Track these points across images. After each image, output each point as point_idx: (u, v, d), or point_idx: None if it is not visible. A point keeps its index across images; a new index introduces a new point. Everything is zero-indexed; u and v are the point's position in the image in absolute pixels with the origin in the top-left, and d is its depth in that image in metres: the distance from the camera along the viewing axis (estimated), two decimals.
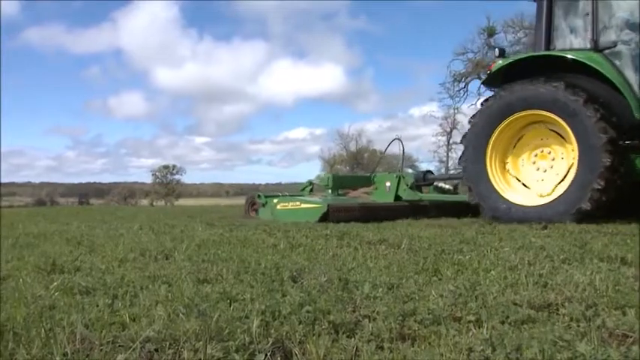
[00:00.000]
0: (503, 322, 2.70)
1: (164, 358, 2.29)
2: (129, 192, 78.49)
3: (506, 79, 10.02)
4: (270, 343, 2.40)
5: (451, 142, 50.24)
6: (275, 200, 13.84)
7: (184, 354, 2.29)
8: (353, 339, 2.49)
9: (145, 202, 71.35)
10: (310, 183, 15.54)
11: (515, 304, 3.06)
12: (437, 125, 50.47)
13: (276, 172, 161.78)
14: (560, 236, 6.79)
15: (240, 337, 2.43)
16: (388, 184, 13.43)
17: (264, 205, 13.99)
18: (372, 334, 2.54)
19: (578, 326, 2.60)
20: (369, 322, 2.73)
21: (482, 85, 12.33)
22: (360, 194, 14.03)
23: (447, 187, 13.96)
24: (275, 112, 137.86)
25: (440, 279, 3.90)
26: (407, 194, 13.18)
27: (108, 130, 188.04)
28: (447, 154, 50.74)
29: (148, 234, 8.44)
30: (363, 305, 3.05)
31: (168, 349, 2.36)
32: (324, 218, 11.39)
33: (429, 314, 2.80)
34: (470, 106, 45.49)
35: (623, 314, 2.79)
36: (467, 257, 4.83)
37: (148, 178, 79.57)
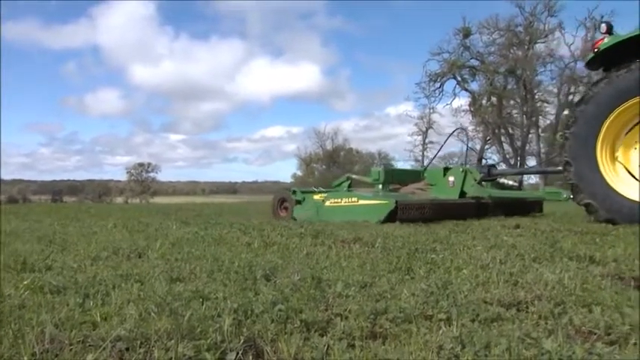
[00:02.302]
0: (473, 320, 2.73)
1: (135, 357, 2.28)
2: (103, 189, 77.76)
3: (613, 61, 8.94)
4: (242, 341, 2.40)
5: (427, 141, 50.69)
6: (317, 197, 12.49)
7: (155, 353, 2.28)
8: (325, 337, 2.49)
9: (119, 199, 70.75)
10: (348, 178, 14.30)
11: (486, 302, 3.10)
12: (413, 124, 50.91)
13: (253, 170, 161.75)
14: (531, 235, 6.89)
15: (211, 335, 2.42)
16: (452, 178, 12.31)
17: (300, 202, 12.77)
18: (343, 332, 2.55)
19: (547, 324, 2.65)
20: (341, 320, 2.74)
21: (586, 66, 10.15)
22: (414, 190, 12.83)
23: (511, 183, 13.07)
24: (252, 110, 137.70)
25: (412, 278, 3.93)
26: (474, 190, 12.04)
27: (83, 127, 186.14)
28: (423, 153, 51.23)
29: (122, 232, 8.37)
30: (336, 304, 3.06)
31: (140, 347, 2.34)
32: (390, 217, 10.19)
33: (400, 313, 2.82)
34: (445, 106, 46.04)
35: (589, 312, 2.84)
36: (440, 256, 4.88)
37: (123, 176, 78.98)
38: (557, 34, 43.37)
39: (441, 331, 2.50)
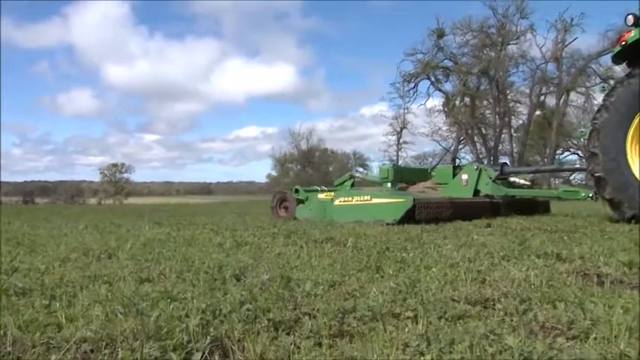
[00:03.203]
0: (440, 318, 2.75)
1: (100, 359, 2.26)
2: (76, 190, 76.73)
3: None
4: (209, 341, 2.39)
5: (401, 141, 50.94)
6: (322, 195, 11.93)
7: (120, 354, 2.26)
8: (292, 336, 2.50)
9: (93, 200, 69.88)
10: (351, 176, 13.74)
11: (454, 300, 3.13)
12: (387, 125, 51.15)
13: (228, 170, 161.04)
14: (502, 234, 6.97)
15: (178, 335, 2.41)
16: (465, 177, 11.90)
17: (304, 202, 12.23)
18: (311, 331, 2.56)
19: (512, 320, 2.68)
20: (309, 319, 2.75)
21: (613, 59, 9.61)
22: (423, 189, 12.39)
23: (523, 181, 12.52)
24: (227, 110, 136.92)
25: (382, 276, 3.95)
26: (490, 189, 11.67)
27: (56, 127, 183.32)
28: (397, 153, 51.46)
29: (93, 233, 8.28)
30: (304, 303, 3.06)
31: (105, 349, 2.32)
32: (407, 217, 9.73)
33: (368, 311, 2.84)
34: (419, 106, 46.36)
35: (554, 308, 2.89)
36: (410, 255, 4.92)
37: (96, 177, 77.93)
38: (528, 35, 44.01)
39: (407, 329, 2.52)
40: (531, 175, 13.14)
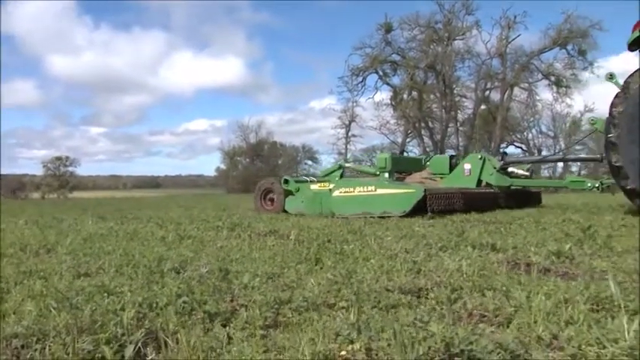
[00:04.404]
0: (374, 307, 2.83)
1: (31, 354, 2.24)
2: (18, 184, 74.16)
3: None
4: (143, 334, 2.40)
5: (350, 134, 51.25)
6: (316, 186, 11.06)
7: (53, 348, 2.25)
8: (227, 327, 2.53)
9: (36, 195, 67.80)
10: (340, 166, 13.04)
11: (388, 289, 3.21)
12: (336, 118, 51.30)
13: (176, 164, 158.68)
14: (443, 225, 7.13)
15: (111, 329, 2.41)
16: (468, 166, 11.46)
17: (294, 193, 11.39)
18: (246, 322, 2.59)
19: (442, 308, 2.78)
20: (245, 310, 2.78)
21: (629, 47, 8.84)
22: (421, 179, 11.77)
23: (521, 172, 11.92)
24: (175, 103, 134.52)
25: (321, 268, 4.01)
26: (495, 179, 11.22)
27: None
28: (346, 146, 51.73)
29: (32, 228, 8.09)
30: (241, 295, 3.10)
31: (36, 344, 2.30)
32: (417, 208, 9.21)
33: (303, 302, 2.89)
34: (367, 100, 46.72)
35: (482, 296, 3.00)
36: (350, 247, 5.00)
37: (39, 170, 75.57)
38: (474, 31, 44.77)
39: (338, 319, 2.58)
40: (529, 165, 12.59)
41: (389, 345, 2.11)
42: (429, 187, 9.76)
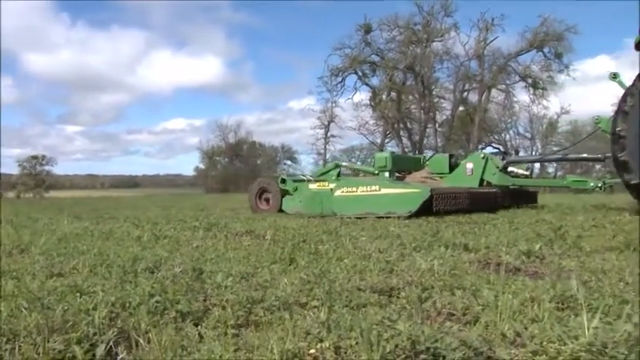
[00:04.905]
0: (345, 306, 2.87)
1: (1, 354, 2.25)
2: None
3: None
4: (115, 333, 2.42)
5: (329, 134, 51.36)
6: (315, 185, 10.83)
7: (23, 348, 2.26)
8: (199, 327, 2.55)
9: (11, 194, 66.82)
10: (337, 165, 12.68)
11: (360, 289, 3.25)
12: (315, 118, 51.37)
13: (155, 163, 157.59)
14: (417, 226, 7.20)
15: (83, 328, 2.42)
16: (470, 165, 11.30)
17: (291, 193, 11.19)
18: (218, 321, 2.62)
19: (412, 307, 2.82)
20: (218, 310, 2.81)
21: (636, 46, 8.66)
22: (422, 179, 11.51)
23: (521, 172, 11.81)
24: (154, 102, 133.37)
25: (295, 267, 4.05)
26: (497, 178, 11.08)
27: None
28: (325, 146, 51.86)
29: (6, 228, 8.01)
30: (214, 294, 3.12)
31: (6, 344, 2.31)
32: (422, 209, 9.02)
33: (276, 301, 2.92)
34: (346, 100, 46.88)
35: (452, 295, 3.06)
36: (325, 247, 5.03)
37: (14, 169, 74.39)
38: (452, 33, 45.17)
39: (309, 318, 2.62)
40: (527, 165, 12.52)
41: (357, 343, 2.15)
42: (436, 187, 9.61)
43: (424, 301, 2.95)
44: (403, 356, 2.05)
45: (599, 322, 2.26)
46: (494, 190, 10.94)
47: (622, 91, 8.68)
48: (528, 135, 50.94)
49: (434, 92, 46.68)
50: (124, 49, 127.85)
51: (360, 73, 46.21)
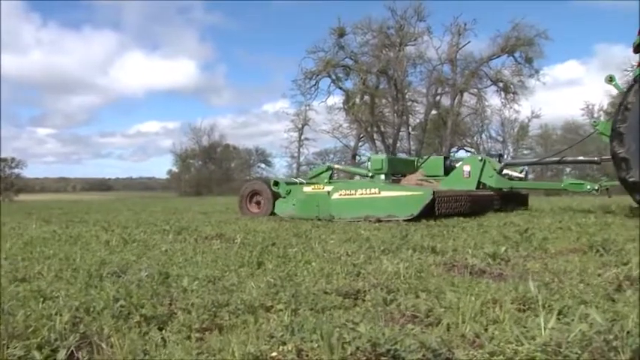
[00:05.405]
0: (311, 309, 2.89)
1: None
2: None
3: None
4: (77, 338, 2.41)
5: (303, 137, 51.41)
6: (311, 188, 10.45)
7: None
8: (164, 331, 2.55)
9: None
10: (329, 167, 12.45)
11: (326, 292, 3.27)
12: (289, 121, 51.39)
13: (128, 166, 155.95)
14: (388, 229, 7.25)
15: (44, 334, 2.41)
16: (467, 168, 11.07)
17: (284, 195, 10.83)
18: (183, 325, 2.62)
19: (376, 310, 2.85)
20: (183, 314, 2.81)
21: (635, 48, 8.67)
22: (417, 182, 11.28)
23: (516, 174, 11.64)
24: (126, 104, 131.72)
25: (264, 271, 4.05)
26: (495, 181, 10.92)
27: None
28: (299, 149, 51.90)
29: None
30: (180, 298, 3.12)
31: None
32: (425, 212, 8.90)
33: (241, 304, 2.93)
34: (320, 104, 46.95)
35: (416, 297, 3.10)
36: (294, 250, 5.05)
37: None
38: (425, 37, 45.48)
39: (272, 321, 2.63)
40: (521, 168, 12.29)
41: (318, 346, 2.17)
42: (437, 190, 9.49)
43: (389, 303, 2.99)
44: (364, 358, 2.08)
45: (555, 323, 2.32)
46: (491, 192, 10.94)
47: (619, 93, 8.72)
48: (500, 138, 51.56)
49: (407, 96, 46.96)
50: (97, 51, 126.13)
51: (333, 77, 46.30)
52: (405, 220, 8.60)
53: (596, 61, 79.33)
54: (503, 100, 45.47)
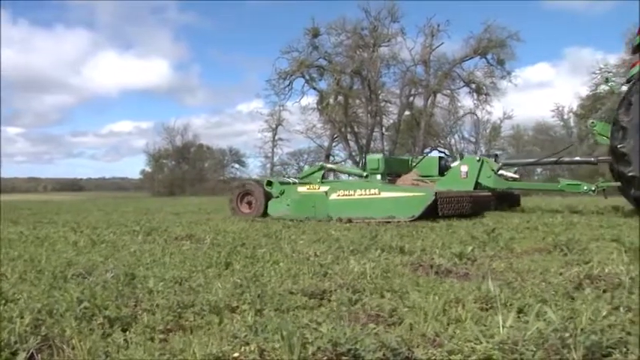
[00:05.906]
0: (276, 310, 2.90)
1: None
2: None
3: None
4: (39, 340, 2.39)
5: (276, 138, 51.30)
6: (306, 188, 10.31)
7: None
8: (127, 332, 2.54)
9: None
10: (322, 167, 12.09)
11: (292, 292, 3.28)
12: (263, 121, 51.22)
13: (100, 166, 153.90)
14: (358, 229, 7.29)
15: (4, 337, 2.38)
16: (465, 168, 10.93)
17: (277, 195, 10.67)
18: (147, 326, 2.61)
19: (341, 310, 2.87)
20: (147, 315, 2.80)
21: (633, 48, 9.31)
22: (413, 182, 11.09)
23: (510, 174, 11.37)
24: (99, 103, 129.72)
25: (232, 271, 4.05)
26: (493, 181, 10.77)
27: None
28: (273, 149, 51.77)
29: None
30: (145, 299, 3.11)
31: None
32: (427, 213, 8.79)
33: (207, 305, 2.93)
34: (294, 104, 46.89)
35: (381, 297, 3.13)
36: (262, 250, 5.05)
37: None
38: (399, 38, 45.69)
39: (236, 321, 2.64)
40: (516, 168, 12.17)
41: (280, 346, 2.18)
42: (439, 190, 9.40)
43: (354, 303, 3.01)
44: (325, 358, 2.10)
45: (514, 321, 2.36)
46: (489, 193, 10.89)
47: (615, 93, 8.84)
48: (473, 139, 52.02)
49: (380, 96, 47.10)
50: (69, 50, 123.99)
51: (307, 77, 46.23)
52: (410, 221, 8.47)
53: (566, 63, 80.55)
54: (475, 101, 45.90)
